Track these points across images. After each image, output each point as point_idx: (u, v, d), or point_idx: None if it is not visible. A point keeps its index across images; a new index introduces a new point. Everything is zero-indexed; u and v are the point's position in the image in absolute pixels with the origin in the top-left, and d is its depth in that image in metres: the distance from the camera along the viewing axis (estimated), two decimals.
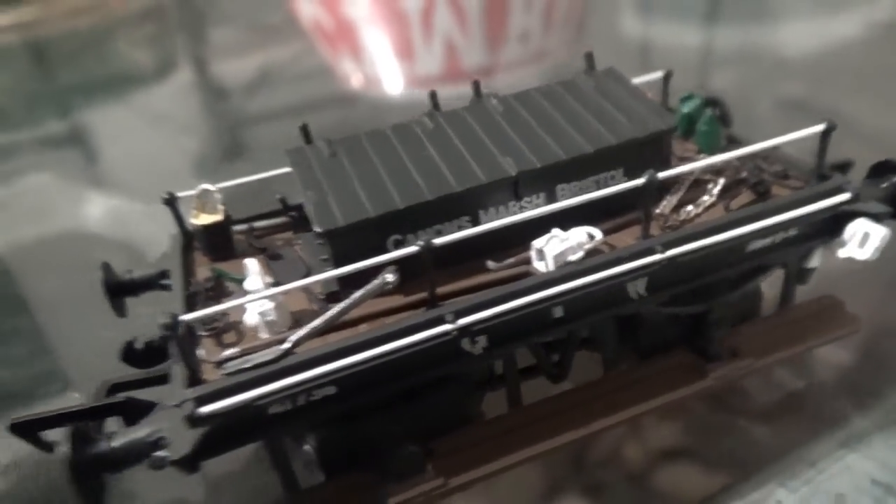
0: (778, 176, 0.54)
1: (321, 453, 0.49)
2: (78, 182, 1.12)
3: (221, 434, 0.41)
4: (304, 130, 0.55)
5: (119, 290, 0.55)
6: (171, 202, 0.54)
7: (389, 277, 0.44)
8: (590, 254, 0.47)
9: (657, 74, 0.62)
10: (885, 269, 0.56)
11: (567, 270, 0.46)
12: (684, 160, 0.55)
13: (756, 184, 0.53)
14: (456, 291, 0.47)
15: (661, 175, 0.47)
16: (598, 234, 0.48)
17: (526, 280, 0.46)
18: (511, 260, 0.49)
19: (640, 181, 0.47)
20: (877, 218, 0.50)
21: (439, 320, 0.44)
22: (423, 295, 0.46)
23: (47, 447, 0.49)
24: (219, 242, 0.53)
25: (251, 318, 0.45)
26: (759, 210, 0.50)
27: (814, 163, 0.52)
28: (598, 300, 0.47)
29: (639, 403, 0.52)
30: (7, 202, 1.07)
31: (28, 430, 0.48)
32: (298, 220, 0.54)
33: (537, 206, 0.50)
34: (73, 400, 0.64)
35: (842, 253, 0.52)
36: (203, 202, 0.53)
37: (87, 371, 0.67)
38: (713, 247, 0.48)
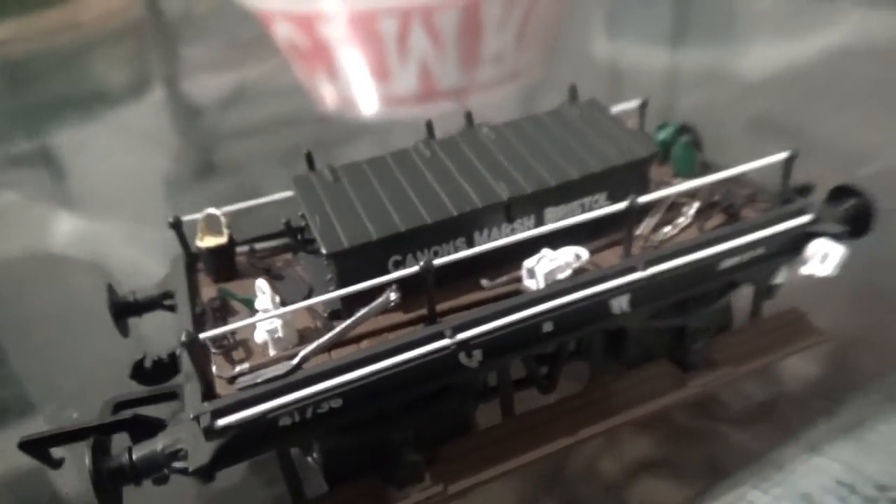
0: (747, 199, 0.57)
1: (325, 463, 0.50)
2: (47, 201, 1.10)
3: (235, 445, 0.43)
4: (309, 158, 0.58)
5: (123, 311, 0.56)
6: (177, 226, 0.55)
7: (393, 296, 0.47)
8: (577, 272, 0.50)
9: (634, 103, 0.66)
10: (845, 285, 0.59)
11: (556, 288, 0.49)
12: (661, 184, 0.59)
13: (727, 206, 0.57)
14: (452, 308, 0.49)
15: (642, 199, 0.51)
16: (584, 253, 0.51)
17: (518, 297, 0.49)
18: (504, 278, 0.52)
19: (622, 205, 0.50)
20: (836, 237, 0.54)
21: (439, 335, 0.46)
22: (421, 312, 0.48)
23: (56, 464, 0.51)
24: (223, 264, 0.56)
25: (260, 335, 0.47)
26: (729, 231, 0.54)
27: (779, 186, 0.56)
28: (585, 315, 0.50)
29: (624, 412, 0.54)
30: None
31: (37, 447, 0.49)
32: (298, 242, 0.56)
33: (528, 228, 0.53)
34: (70, 419, 0.65)
35: (805, 269, 0.55)
36: (208, 225, 0.55)
37: (56, 394, 0.67)
38: (689, 265, 0.52)
